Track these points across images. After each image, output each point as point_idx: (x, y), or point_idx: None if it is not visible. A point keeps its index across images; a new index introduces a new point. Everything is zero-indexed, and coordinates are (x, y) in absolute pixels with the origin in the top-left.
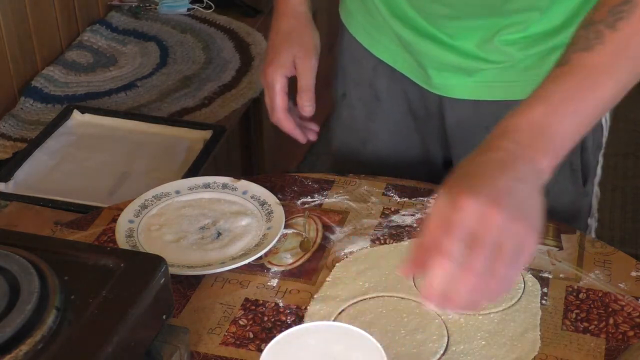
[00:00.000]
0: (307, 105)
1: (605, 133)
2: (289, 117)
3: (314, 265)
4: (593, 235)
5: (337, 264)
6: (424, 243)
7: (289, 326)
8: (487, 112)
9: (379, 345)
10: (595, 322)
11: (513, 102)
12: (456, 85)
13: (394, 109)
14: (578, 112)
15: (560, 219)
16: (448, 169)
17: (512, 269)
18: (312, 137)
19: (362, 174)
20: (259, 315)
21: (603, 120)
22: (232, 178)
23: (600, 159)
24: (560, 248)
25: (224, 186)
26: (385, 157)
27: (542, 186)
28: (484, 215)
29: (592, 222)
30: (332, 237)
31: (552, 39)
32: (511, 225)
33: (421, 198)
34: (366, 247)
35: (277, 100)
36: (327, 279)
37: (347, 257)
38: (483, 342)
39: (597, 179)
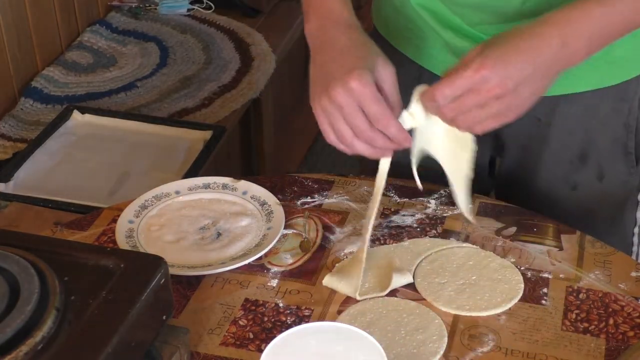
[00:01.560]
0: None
1: None
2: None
3: (314, 266)
4: None
5: (337, 264)
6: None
7: (289, 326)
8: (542, 105)
9: (379, 345)
10: (595, 323)
11: (569, 94)
12: None
13: None
14: (614, 22)
15: (615, 198)
16: (492, 166)
17: (484, 121)
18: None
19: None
20: (259, 315)
21: None
22: (232, 178)
23: None
24: (560, 248)
25: (224, 186)
26: (424, 167)
27: (562, 71)
28: (491, 83)
29: None
30: (332, 237)
31: None
32: (505, 109)
33: (421, 198)
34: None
35: (379, 106)
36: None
37: (346, 257)
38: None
39: None
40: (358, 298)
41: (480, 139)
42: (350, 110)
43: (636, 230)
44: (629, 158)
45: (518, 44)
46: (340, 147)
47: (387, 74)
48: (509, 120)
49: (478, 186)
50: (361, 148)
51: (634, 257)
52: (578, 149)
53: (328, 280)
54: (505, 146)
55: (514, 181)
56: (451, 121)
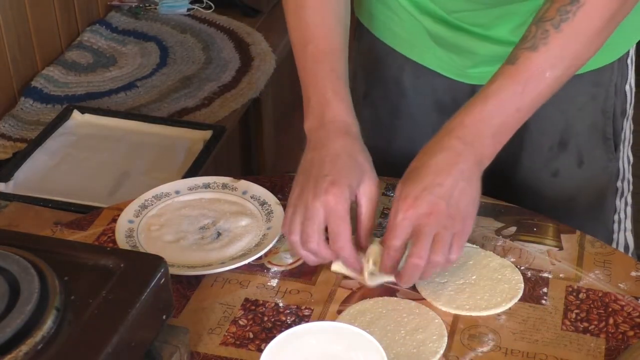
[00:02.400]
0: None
1: (631, 100)
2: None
3: (313, 266)
4: (629, 199)
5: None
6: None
7: (289, 326)
8: None
9: (379, 345)
10: (595, 322)
11: None
12: (492, 72)
13: (420, 105)
14: (521, 108)
15: (595, 185)
16: None
17: (452, 248)
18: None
19: (388, 175)
20: (259, 315)
21: (627, 88)
22: (232, 178)
23: (627, 125)
24: (560, 248)
25: (224, 186)
26: (410, 155)
27: (481, 172)
28: (427, 217)
29: (625, 185)
30: None
31: None
32: (451, 222)
33: None
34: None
35: (343, 227)
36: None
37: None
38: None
39: (627, 143)
40: (369, 283)
41: None
42: (317, 221)
43: (616, 217)
44: (608, 144)
45: (430, 164)
46: (292, 238)
47: (369, 191)
48: (466, 233)
49: None
50: (304, 253)
51: (614, 244)
52: (557, 135)
53: (337, 267)
54: None
55: (496, 170)
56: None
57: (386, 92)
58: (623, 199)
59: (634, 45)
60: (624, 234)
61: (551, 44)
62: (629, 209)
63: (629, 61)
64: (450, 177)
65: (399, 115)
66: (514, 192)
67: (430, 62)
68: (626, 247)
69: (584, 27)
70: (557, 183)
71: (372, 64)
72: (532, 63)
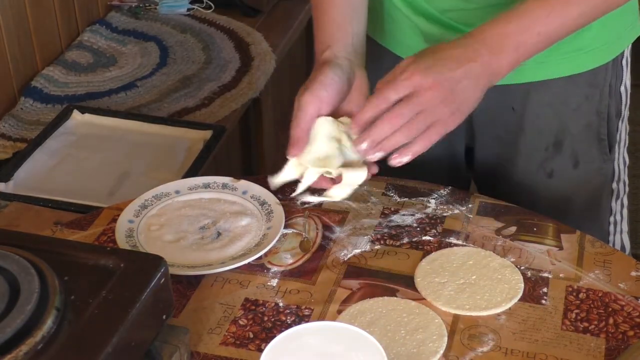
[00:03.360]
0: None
1: (626, 101)
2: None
3: (314, 266)
4: (625, 201)
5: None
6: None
7: (289, 326)
8: (515, 93)
9: (379, 345)
10: (595, 322)
11: (541, 82)
12: None
13: None
14: (542, 33)
15: (590, 186)
16: (470, 157)
17: (427, 132)
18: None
19: (386, 176)
20: (259, 315)
21: (622, 89)
22: (232, 178)
23: (622, 126)
24: (560, 248)
25: (224, 186)
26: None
27: (490, 85)
28: (427, 90)
29: (621, 187)
30: (332, 237)
31: None
32: (443, 107)
33: (421, 198)
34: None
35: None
36: None
37: (346, 256)
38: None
39: (622, 145)
40: (332, 193)
41: (453, 137)
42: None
43: (612, 219)
44: (602, 144)
45: (448, 52)
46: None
47: (358, 85)
48: (449, 129)
49: (456, 176)
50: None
51: (610, 246)
52: (552, 136)
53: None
54: (479, 135)
55: (493, 171)
56: (388, 139)
57: None
58: (619, 201)
59: (629, 46)
60: (620, 236)
61: None
62: (625, 211)
63: (623, 62)
64: (462, 69)
65: None
66: (510, 193)
67: None
68: (622, 249)
69: None
70: (552, 184)
71: (376, 71)
72: None
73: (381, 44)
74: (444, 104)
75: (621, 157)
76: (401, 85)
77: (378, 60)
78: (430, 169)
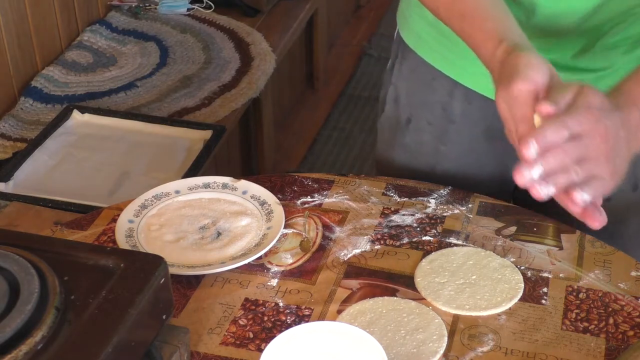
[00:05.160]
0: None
1: None
2: None
3: (314, 265)
4: None
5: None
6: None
7: (289, 326)
8: None
9: (379, 345)
10: (595, 322)
11: None
12: None
13: (469, 130)
14: None
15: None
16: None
17: (588, 182)
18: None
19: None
20: (259, 315)
21: None
22: (232, 178)
23: None
24: (560, 248)
25: (224, 186)
26: (455, 177)
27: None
28: (603, 134)
29: None
30: (332, 237)
31: None
32: (605, 159)
33: (421, 198)
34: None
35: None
36: None
37: (346, 256)
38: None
39: None
40: None
41: (508, 162)
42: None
43: None
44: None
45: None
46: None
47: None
48: (605, 186)
49: (503, 190)
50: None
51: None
52: None
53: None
54: None
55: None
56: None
57: (432, 117)
58: None
59: None
60: None
61: None
62: None
63: None
64: (624, 128)
65: (445, 141)
66: (565, 213)
67: (483, 87)
68: None
69: None
70: (609, 207)
71: (416, 87)
72: None
73: (428, 61)
74: (607, 158)
75: None
76: (580, 118)
77: (413, 74)
78: (482, 186)
